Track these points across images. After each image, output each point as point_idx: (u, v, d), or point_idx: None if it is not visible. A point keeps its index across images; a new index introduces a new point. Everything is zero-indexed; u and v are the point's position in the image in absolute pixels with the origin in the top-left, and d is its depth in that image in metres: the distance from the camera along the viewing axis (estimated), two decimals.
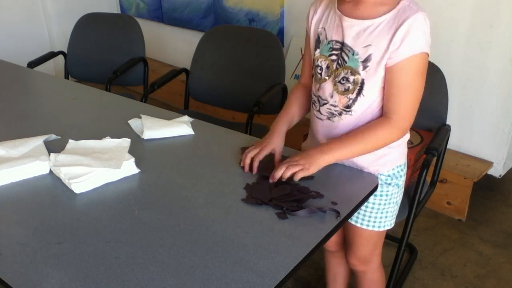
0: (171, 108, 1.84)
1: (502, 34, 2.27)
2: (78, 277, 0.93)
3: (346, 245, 1.52)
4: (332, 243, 1.61)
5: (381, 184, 1.34)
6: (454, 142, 2.56)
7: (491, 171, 2.51)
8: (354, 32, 1.21)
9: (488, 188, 2.69)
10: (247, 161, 1.30)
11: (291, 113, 1.41)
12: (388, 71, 1.19)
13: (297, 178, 1.19)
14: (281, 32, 3.14)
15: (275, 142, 1.33)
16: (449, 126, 1.84)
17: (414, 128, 1.82)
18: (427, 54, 1.18)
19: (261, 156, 1.29)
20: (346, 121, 1.28)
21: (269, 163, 1.31)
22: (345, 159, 1.30)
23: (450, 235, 2.34)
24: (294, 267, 0.96)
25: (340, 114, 1.28)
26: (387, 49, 1.17)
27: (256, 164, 1.28)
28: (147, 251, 1.00)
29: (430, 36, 1.17)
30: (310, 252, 1.01)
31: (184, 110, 2.48)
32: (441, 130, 1.80)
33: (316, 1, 1.35)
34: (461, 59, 2.43)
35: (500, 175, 2.52)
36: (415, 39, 1.15)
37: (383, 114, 1.24)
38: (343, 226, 1.47)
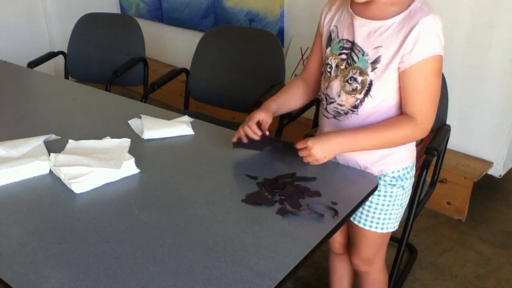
0: (171, 108, 1.84)
1: (502, 34, 2.27)
2: (78, 277, 0.93)
3: (350, 245, 1.52)
4: (339, 245, 1.60)
5: (385, 185, 1.33)
6: (454, 142, 2.55)
7: (491, 171, 2.51)
8: (365, 32, 1.21)
9: (488, 188, 2.69)
10: (241, 133, 1.35)
11: (282, 99, 1.42)
12: (402, 74, 1.19)
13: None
14: (281, 32, 3.14)
15: (261, 114, 1.34)
16: (449, 126, 1.84)
17: None
18: (441, 56, 1.18)
19: (251, 125, 1.32)
20: (351, 121, 1.28)
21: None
22: (363, 150, 1.29)
23: (450, 235, 2.34)
24: (294, 267, 0.96)
25: (346, 113, 1.28)
26: (397, 52, 1.17)
27: (249, 135, 1.33)
28: (147, 251, 1.00)
29: (443, 37, 1.17)
30: (310, 252, 1.01)
31: (184, 110, 2.48)
32: (441, 130, 1.80)
33: None
34: (461, 59, 2.43)
35: (500, 175, 2.52)
36: (427, 43, 1.15)
37: (405, 114, 1.23)
38: (348, 226, 1.47)
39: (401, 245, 1.71)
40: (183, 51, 3.76)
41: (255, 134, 1.32)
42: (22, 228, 1.08)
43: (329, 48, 1.31)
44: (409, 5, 1.17)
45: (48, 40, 4.07)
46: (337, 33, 1.28)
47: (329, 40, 1.31)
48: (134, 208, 1.15)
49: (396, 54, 1.17)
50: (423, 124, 1.21)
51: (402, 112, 1.24)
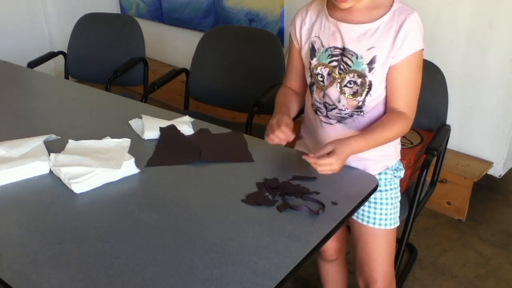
0: (171, 108, 1.84)
1: (502, 34, 2.27)
2: (78, 277, 0.93)
3: (361, 265, 1.46)
4: (333, 251, 1.59)
5: (391, 178, 1.38)
6: (454, 142, 2.55)
7: (491, 171, 2.50)
8: (354, 36, 1.24)
9: (488, 188, 2.69)
10: (276, 140, 1.24)
11: (290, 109, 1.37)
12: (391, 70, 1.24)
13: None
14: (281, 32, 3.14)
15: (288, 118, 1.28)
16: (449, 126, 1.84)
17: (414, 128, 1.82)
18: (423, 49, 1.24)
19: (284, 129, 1.23)
20: (358, 122, 1.31)
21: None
22: (364, 151, 1.27)
23: (450, 235, 2.34)
24: (294, 267, 0.96)
25: (351, 116, 1.30)
26: (391, 49, 1.21)
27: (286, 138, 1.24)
28: (147, 251, 1.00)
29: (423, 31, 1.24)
30: (310, 252, 1.01)
31: (184, 110, 2.48)
32: (441, 130, 1.80)
33: (301, 12, 1.38)
34: (461, 59, 2.43)
35: (500, 175, 2.52)
36: (414, 38, 1.21)
37: (392, 110, 1.27)
38: (355, 245, 1.46)
39: (401, 245, 1.71)
40: (183, 51, 3.75)
41: (287, 138, 1.24)
42: (22, 228, 1.08)
43: (314, 59, 1.31)
44: (391, 6, 1.22)
45: (48, 40, 4.07)
46: (321, 43, 1.30)
47: (313, 51, 1.32)
48: (134, 208, 1.15)
49: (390, 51, 1.22)
50: (411, 117, 1.28)
51: (387, 107, 1.29)
